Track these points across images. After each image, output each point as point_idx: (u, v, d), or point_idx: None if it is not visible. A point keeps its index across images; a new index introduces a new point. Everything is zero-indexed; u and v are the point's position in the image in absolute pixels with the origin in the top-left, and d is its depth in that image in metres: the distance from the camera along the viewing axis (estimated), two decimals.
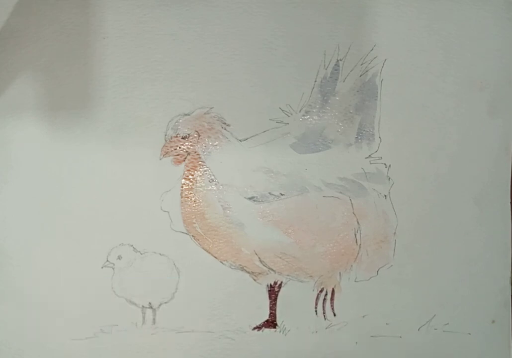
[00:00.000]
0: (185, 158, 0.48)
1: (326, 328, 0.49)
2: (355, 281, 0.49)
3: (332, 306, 0.49)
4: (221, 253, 0.48)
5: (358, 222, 0.49)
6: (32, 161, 0.47)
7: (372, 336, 0.49)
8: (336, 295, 0.49)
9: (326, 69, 0.49)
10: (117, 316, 0.47)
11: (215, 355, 0.48)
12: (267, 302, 0.48)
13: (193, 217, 0.48)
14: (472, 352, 0.50)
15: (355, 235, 0.49)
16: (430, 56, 0.50)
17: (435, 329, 0.49)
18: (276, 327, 0.48)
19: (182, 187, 0.48)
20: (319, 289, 0.49)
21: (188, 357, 0.48)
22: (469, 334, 0.50)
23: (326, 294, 0.49)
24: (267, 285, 0.49)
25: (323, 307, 0.49)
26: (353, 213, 0.49)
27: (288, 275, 0.49)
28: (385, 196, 0.49)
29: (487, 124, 0.51)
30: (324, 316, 0.49)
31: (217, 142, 0.48)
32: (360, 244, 0.49)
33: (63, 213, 0.47)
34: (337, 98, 0.49)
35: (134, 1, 0.48)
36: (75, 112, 0.47)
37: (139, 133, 0.48)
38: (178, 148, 0.48)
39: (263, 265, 0.48)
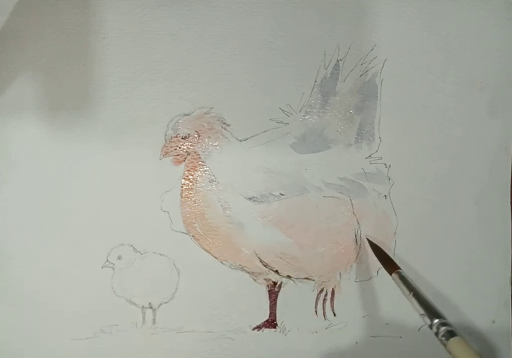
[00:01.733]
0: (185, 158, 0.48)
1: (326, 328, 0.49)
2: (355, 281, 0.49)
3: (332, 306, 0.49)
4: (221, 253, 0.48)
5: (358, 222, 0.49)
6: (32, 161, 0.47)
7: (372, 336, 0.49)
8: (336, 295, 0.49)
9: (326, 69, 0.49)
10: (117, 316, 0.47)
11: (215, 355, 0.48)
12: (267, 302, 0.48)
13: (193, 217, 0.48)
14: None
15: (355, 235, 0.49)
16: (430, 56, 0.50)
17: None
18: (276, 327, 0.48)
19: (182, 187, 0.48)
20: (319, 289, 0.49)
21: (188, 357, 0.48)
22: (469, 334, 0.50)
23: (326, 294, 0.49)
24: (267, 285, 0.49)
25: (323, 307, 0.49)
26: (353, 213, 0.49)
27: (288, 275, 0.49)
28: (385, 196, 0.49)
29: (487, 124, 0.51)
30: (324, 316, 0.49)
31: (217, 142, 0.48)
32: (360, 244, 0.49)
33: (63, 213, 0.47)
34: (337, 98, 0.49)
35: (134, 1, 0.48)
36: (75, 112, 0.47)
37: (139, 133, 0.48)
38: (178, 148, 0.48)
39: (263, 265, 0.48)
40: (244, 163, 0.48)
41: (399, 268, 0.46)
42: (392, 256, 0.49)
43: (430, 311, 0.41)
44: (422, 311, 0.41)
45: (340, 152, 0.49)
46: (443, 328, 0.40)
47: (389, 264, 0.46)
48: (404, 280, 0.44)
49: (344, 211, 0.49)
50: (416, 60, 0.50)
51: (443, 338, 0.40)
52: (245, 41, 0.49)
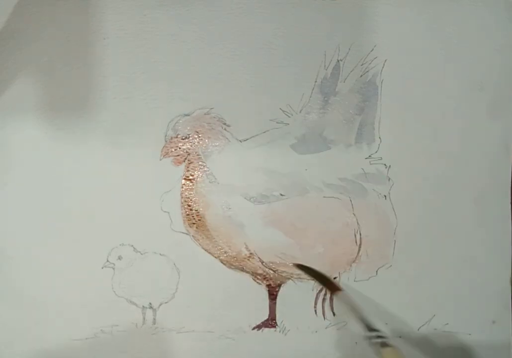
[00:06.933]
0: (185, 158, 0.48)
1: (326, 328, 0.49)
2: (354, 281, 0.49)
3: (331, 306, 0.49)
4: (221, 253, 0.48)
5: (358, 223, 0.49)
6: (32, 161, 0.47)
7: None
8: None
9: (326, 69, 0.49)
10: (117, 316, 0.48)
11: (215, 355, 0.48)
12: (267, 302, 0.49)
13: (193, 217, 0.48)
14: (472, 352, 0.50)
15: (355, 235, 0.49)
16: (430, 56, 0.50)
17: (435, 329, 0.50)
18: (276, 326, 0.49)
19: (182, 187, 0.48)
20: (319, 289, 0.49)
21: (188, 357, 0.48)
22: (469, 334, 0.50)
23: (325, 294, 0.49)
24: (267, 285, 0.49)
25: (323, 307, 0.49)
26: (353, 213, 0.49)
27: (288, 275, 0.49)
28: (385, 196, 0.49)
29: (487, 124, 0.51)
30: (324, 315, 0.49)
31: (217, 143, 0.48)
32: (360, 245, 0.49)
33: (63, 213, 0.47)
34: (338, 99, 0.49)
35: (134, 1, 0.48)
36: (75, 112, 0.47)
37: (139, 133, 0.48)
38: (178, 148, 0.48)
39: (263, 265, 0.48)
40: (244, 163, 0.48)
41: (342, 289, 0.47)
42: (391, 256, 0.49)
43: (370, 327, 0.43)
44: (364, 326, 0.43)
45: (340, 152, 0.49)
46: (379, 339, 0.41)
47: (331, 285, 0.47)
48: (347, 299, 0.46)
49: (344, 211, 0.49)
50: (416, 60, 0.50)
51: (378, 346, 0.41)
52: (245, 41, 0.49)
